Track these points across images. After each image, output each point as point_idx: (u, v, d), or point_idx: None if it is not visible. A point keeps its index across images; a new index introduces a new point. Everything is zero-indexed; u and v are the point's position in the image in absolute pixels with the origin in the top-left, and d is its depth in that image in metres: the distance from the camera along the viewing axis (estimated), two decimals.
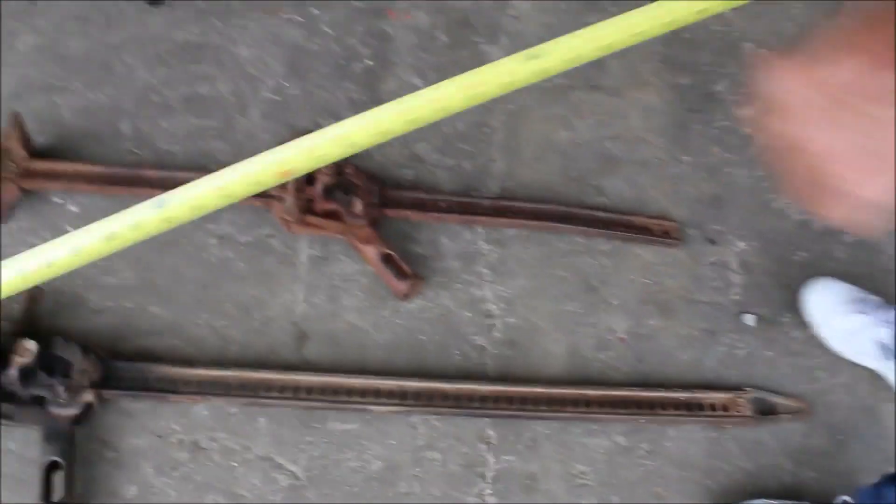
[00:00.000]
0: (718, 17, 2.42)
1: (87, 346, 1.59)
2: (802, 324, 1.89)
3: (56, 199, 1.85)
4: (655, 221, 2.00)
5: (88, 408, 1.55)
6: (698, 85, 2.30)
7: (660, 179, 2.10)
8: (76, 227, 1.74)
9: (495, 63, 0.85)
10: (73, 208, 1.84)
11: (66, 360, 1.55)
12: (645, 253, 1.97)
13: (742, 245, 2.01)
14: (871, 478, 1.51)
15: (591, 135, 2.17)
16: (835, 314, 1.84)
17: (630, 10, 0.83)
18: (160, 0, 2.23)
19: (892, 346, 1.76)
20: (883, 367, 1.82)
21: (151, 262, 1.81)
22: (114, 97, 2.04)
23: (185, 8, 2.23)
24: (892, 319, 1.78)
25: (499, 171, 2.06)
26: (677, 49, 2.36)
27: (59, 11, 2.17)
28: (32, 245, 1.71)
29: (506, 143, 2.11)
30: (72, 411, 1.52)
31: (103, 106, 2.02)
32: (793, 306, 1.92)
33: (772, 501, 1.60)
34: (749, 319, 1.89)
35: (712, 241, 2.01)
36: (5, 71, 2.04)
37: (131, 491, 1.54)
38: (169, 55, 2.15)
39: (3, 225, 1.79)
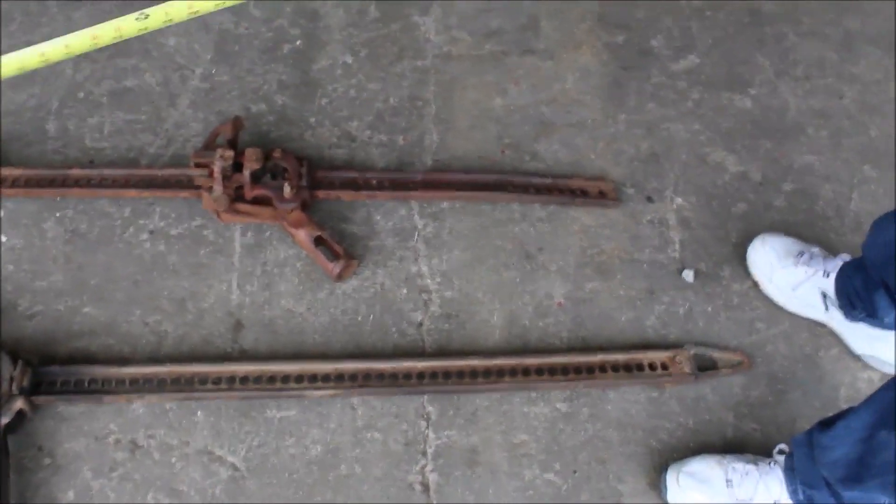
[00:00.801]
0: None
1: (17, 353, 1.59)
2: (742, 277, 1.89)
3: None
4: (592, 183, 1.99)
5: (20, 415, 1.54)
6: (633, 42, 2.29)
7: (596, 140, 2.09)
8: (4, 231, 1.75)
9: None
10: (0, 213, 1.83)
11: None
12: (582, 216, 1.96)
13: (680, 201, 2.00)
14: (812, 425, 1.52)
15: (526, 100, 2.15)
16: (778, 269, 1.83)
17: None
18: None
19: (836, 297, 1.76)
20: (827, 317, 1.82)
21: (83, 263, 1.79)
22: (39, 97, 2.03)
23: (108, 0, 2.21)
24: (834, 269, 1.77)
25: (433, 144, 2.05)
26: (612, 7, 2.35)
27: None
28: None
29: (439, 114, 2.10)
30: (2, 420, 1.52)
31: (29, 107, 2.01)
32: (732, 260, 1.92)
33: (715, 456, 1.61)
34: (688, 275, 1.89)
35: (650, 199, 2.00)
36: None
37: (69, 496, 1.54)
38: (94, 50, 2.12)
39: None
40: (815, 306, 1.81)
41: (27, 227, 1.83)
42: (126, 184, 1.88)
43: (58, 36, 2.10)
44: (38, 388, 1.58)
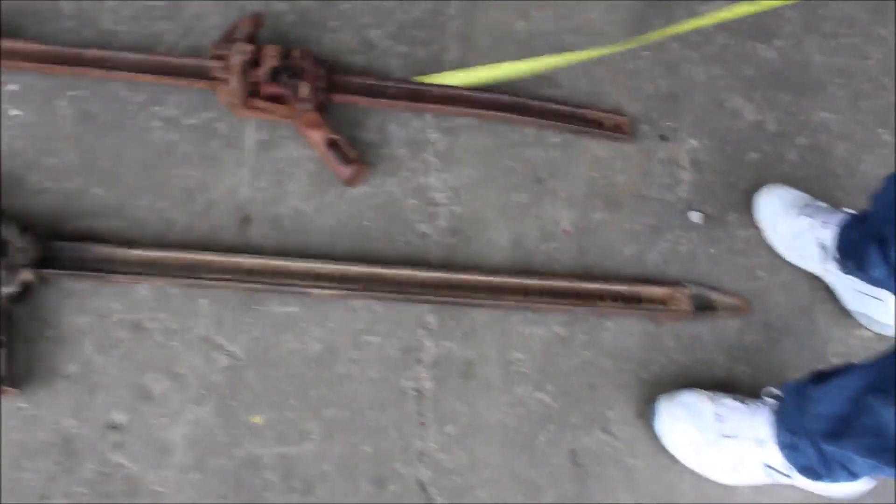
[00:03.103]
0: None
1: (27, 226, 1.59)
2: (747, 224, 1.90)
3: None
4: (607, 116, 1.99)
5: (27, 287, 1.55)
6: None
7: (616, 73, 2.08)
8: (17, 105, 1.73)
9: None
10: (13, 86, 1.81)
11: (4, 239, 1.54)
12: (596, 147, 1.96)
13: (694, 143, 2.00)
14: (801, 374, 1.54)
15: (550, 26, 2.13)
16: (782, 217, 1.85)
17: None
18: None
19: (833, 247, 1.77)
20: (823, 269, 1.83)
21: (94, 144, 1.78)
22: None
23: None
24: (835, 221, 1.79)
25: (453, 60, 2.03)
26: None
27: None
28: None
29: (461, 31, 2.08)
30: (10, 289, 1.52)
31: None
32: (740, 206, 1.93)
33: (706, 391, 1.63)
34: (695, 217, 1.90)
35: (664, 138, 2.00)
36: None
37: (72, 368, 1.55)
38: None
39: None
40: (812, 257, 1.82)
41: (40, 103, 1.81)
42: (142, 69, 1.85)
43: None
44: (45, 262, 1.58)
